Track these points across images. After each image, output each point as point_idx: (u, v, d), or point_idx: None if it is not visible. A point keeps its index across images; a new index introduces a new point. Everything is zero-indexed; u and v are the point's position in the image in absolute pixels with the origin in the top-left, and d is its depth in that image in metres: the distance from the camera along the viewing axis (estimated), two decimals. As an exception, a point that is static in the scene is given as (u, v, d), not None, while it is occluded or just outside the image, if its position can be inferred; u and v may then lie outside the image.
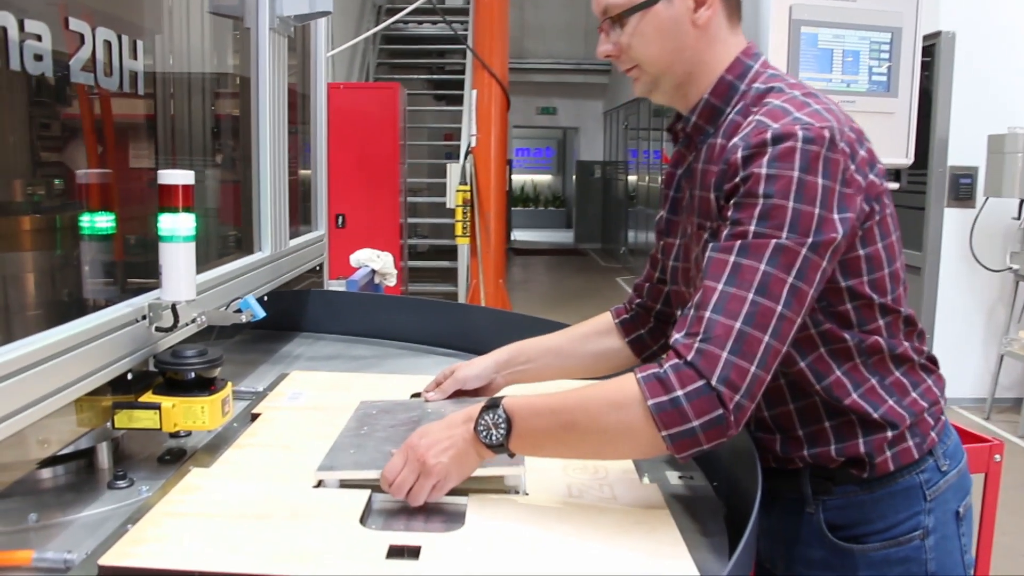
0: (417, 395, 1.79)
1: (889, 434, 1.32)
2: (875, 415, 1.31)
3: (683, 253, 1.46)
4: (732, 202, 1.21)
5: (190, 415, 1.41)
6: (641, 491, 1.33)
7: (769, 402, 1.37)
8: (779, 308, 1.15)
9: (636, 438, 1.16)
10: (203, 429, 1.43)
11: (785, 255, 1.16)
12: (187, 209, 1.42)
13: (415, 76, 11.73)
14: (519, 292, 11.38)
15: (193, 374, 1.44)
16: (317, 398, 1.75)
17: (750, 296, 1.14)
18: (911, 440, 1.33)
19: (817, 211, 1.17)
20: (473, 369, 1.66)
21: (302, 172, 2.83)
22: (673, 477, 1.46)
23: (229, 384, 1.50)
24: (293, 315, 2.59)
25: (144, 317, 1.44)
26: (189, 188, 1.42)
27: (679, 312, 1.45)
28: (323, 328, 2.60)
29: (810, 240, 1.16)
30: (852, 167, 1.22)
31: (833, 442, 1.34)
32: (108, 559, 1.04)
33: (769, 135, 1.19)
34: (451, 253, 8.76)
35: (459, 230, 6.99)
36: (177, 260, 1.43)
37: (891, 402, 1.33)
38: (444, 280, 9.57)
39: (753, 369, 1.13)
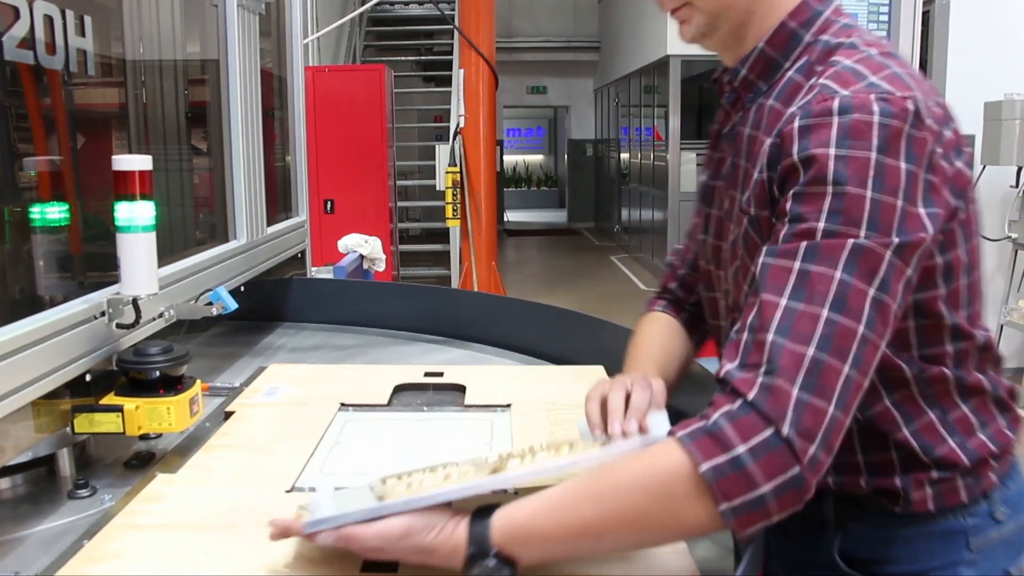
0: (401, 387, 1.70)
1: (935, 474, 1.07)
2: (926, 458, 1.06)
3: (717, 229, 1.20)
4: (792, 192, 0.95)
5: (155, 417, 1.32)
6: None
7: None
8: (861, 329, 0.90)
9: (685, 522, 0.90)
10: (170, 431, 1.35)
11: (865, 259, 0.91)
12: (145, 196, 1.32)
13: (403, 58, 11.59)
14: (513, 274, 11.29)
15: (158, 373, 1.35)
16: (295, 393, 1.66)
17: (824, 313, 0.89)
18: (961, 480, 1.07)
19: (900, 203, 0.92)
20: (646, 392, 1.15)
21: (287, 159, 2.73)
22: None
23: (198, 382, 1.41)
24: (274, 305, 2.50)
25: (103, 313, 1.35)
26: (147, 174, 1.33)
27: (702, 293, 1.29)
28: (305, 317, 2.51)
29: (894, 241, 0.91)
30: (939, 150, 0.97)
31: (865, 474, 1.09)
32: (57, 582, 0.95)
33: (836, 104, 0.95)
34: (444, 236, 8.66)
35: (449, 212, 6.90)
36: (136, 252, 1.33)
37: (952, 443, 1.06)
38: (437, 264, 9.47)
39: (831, 410, 0.87)
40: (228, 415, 1.55)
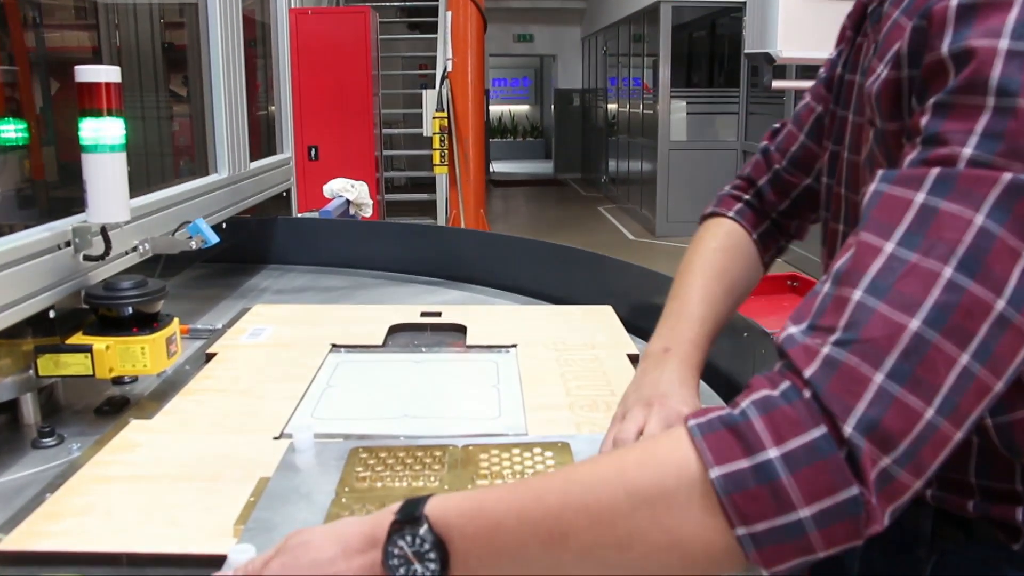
0: (396, 327, 1.58)
1: None
2: None
3: (854, 138, 0.89)
4: (933, 102, 0.66)
5: (128, 358, 1.19)
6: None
7: None
8: (1000, 304, 0.60)
9: (683, 544, 0.61)
10: (145, 374, 1.22)
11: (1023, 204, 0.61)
12: (114, 112, 1.18)
13: (387, 3, 11.30)
14: (499, 224, 11.14)
15: (131, 309, 1.22)
16: (282, 334, 1.53)
17: (947, 272, 0.60)
18: None
19: None
20: (685, 404, 0.94)
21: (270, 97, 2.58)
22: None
23: (176, 320, 1.28)
24: (259, 246, 2.36)
25: (68, 243, 1.21)
26: (115, 87, 1.18)
27: (822, 214, 0.97)
28: (292, 259, 2.38)
29: None
30: None
31: (977, 497, 0.82)
32: (11, 542, 0.83)
33: None
34: (430, 186, 8.49)
35: (437, 159, 6.73)
36: (104, 174, 1.19)
37: None
38: (424, 213, 9.31)
39: (930, 414, 0.59)
40: (210, 357, 1.42)
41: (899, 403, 0.59)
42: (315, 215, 3.84)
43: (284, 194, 2.50)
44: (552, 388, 1.26)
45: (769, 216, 1.13)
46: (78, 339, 1.19)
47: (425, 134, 6.84)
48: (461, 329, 1.58)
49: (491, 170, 16.19)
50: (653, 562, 0.63)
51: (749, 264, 1.11)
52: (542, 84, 19.91)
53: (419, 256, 2.25)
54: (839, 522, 0.58)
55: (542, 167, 18.25)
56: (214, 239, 1.47)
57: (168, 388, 1.30)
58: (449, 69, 6.53)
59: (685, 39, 10.97)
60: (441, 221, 7.84)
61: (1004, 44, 0.63)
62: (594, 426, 1.12)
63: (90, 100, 1.16)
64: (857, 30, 0.92)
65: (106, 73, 1.16)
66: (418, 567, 0.65)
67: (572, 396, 1.23)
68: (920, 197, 0.63)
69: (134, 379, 1.39)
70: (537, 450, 0.96)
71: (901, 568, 0.89)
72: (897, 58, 0.73)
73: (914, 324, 0.59)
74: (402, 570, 0.66)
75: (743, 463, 0.59)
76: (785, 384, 0.61)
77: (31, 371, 1.19)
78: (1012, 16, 0.63)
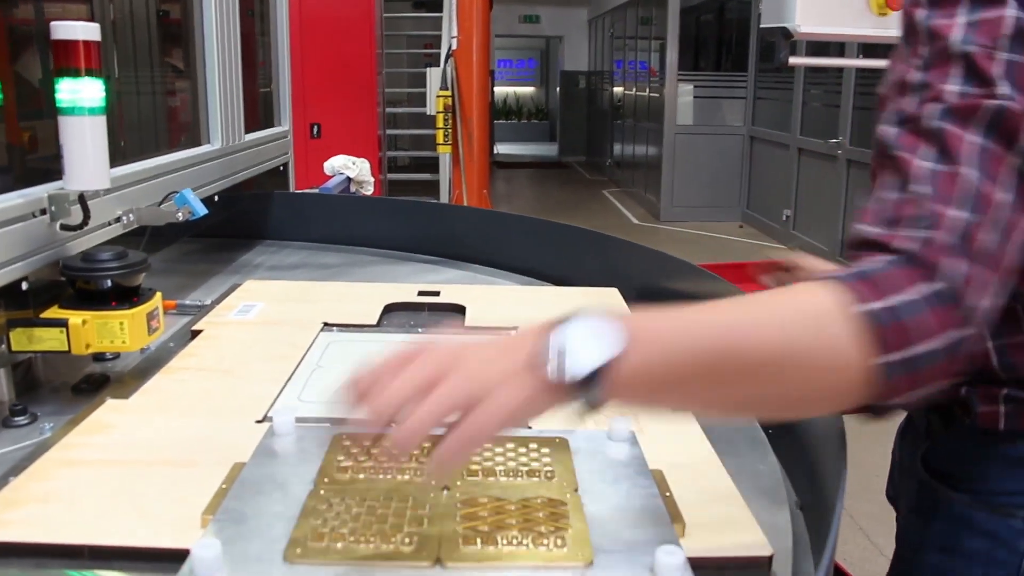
0: (392, 307, 1.51)
1: (1008, 391, 0.93)
2: (1004, 374, 0.92)
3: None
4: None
5: (106, 333, 1.13)
6: (671, 422, 1.06)
7: None
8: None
9: (837, 361, 0.68)
10: (124, 350, 1.15)
11: None
12: (92, 72, 1.11)
13: (392, -20, 11.16)
14: (503, 206, 11.06)
15: (110, 282, 1.15)
16: (272, 311, 1.47)
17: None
18: None
19: None
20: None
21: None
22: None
23: (158, 294, 1.21)
24: (253, 221, 2.29)
25: (44, 211, 1.14)
26: (94, 45, 1.11)
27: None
28: (288, 235, 2.31)
29: None
30: None
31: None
32: (-37, 530, 0.76)
33: None
34: (433, 166, 8.39)
35: (440, 138, 6.63)
36: (82, 138, 1.12)
37: None
38: (426, 193, 9.22)
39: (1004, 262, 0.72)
40: (195, 334, 1.35)
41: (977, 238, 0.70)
42: (315, 191, 3.79)
43: (281, 168, 2.43)
44: (554, 373, 1.19)
45: None
46: (53, 313, 1.13)
47: (428, 112, 6.75)
48: (460, 310, 1.52)
49: (495, 152, 16.11)
50: (808, 381, 0.70)
51: None
52: (548, 66, 19.75)
53: (418, 234, 2.19)
54: (955, 353, 0.69)
55: (546, 149, 18.13)
56: (202, 211, 1.41)
57: (150, 366, 1.23)
58: (454, 47, 6.43)
59: (693, 22, 10.85)
60: (444, 201, 7.77)
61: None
62: (599, 416, 1.05)
63: (66, 59, 1.09)
64: None
65: (83, 30, 1.09)
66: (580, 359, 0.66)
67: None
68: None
69: (116, 356, 1.32)
70: (533, 445, 0.89)
71: (913, 459, 1.04)
72: None
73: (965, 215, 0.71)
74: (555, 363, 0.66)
75: (880, 303, 0.67)
76: (892, 256, 0.70)
77: (3, 346, 1.13)
78: None
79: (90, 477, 0.87)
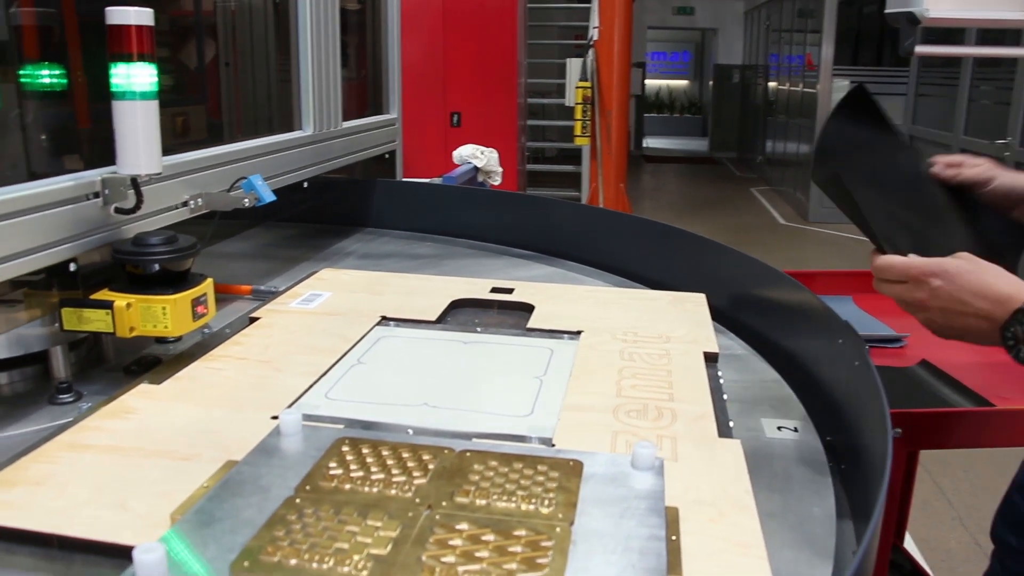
0: (459, 302, 1.47)
1: None
2: None
3: None
4: None
5: (149, 317, 1.13)
6: (714, 450, 0.97)
7: None
8: None
9: None
10: (166, 335, 1.15)
11: None
12: (145, 57, 1.11)
13: (545, -30, 11.14)
14: (648, 200, 10.89)
15: (157, 267, 1.15)
16: (336, 301, 1.45)
17: None
18: None
19: None
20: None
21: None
22: (770, 427, 1.10)
23: (208, 281, 1.21)
24: (355, 208, 2.30)
25: (96, 195, 1.15)
26: (147, 30, 1.11)
27: None
28: (389, 223, 2.30)
29: None
30: None
31: None
32: (-55, 509, 0.76)
33: None
34: (577, 158, 8.34)
35: (578, 129, 6.57)
36: (134, 122, 1.12)
37: None
38: (567, 185, 9.17)
39: None
40: (253, 321, 1.35)
41: None
42: (438, 180, 3.80)
43: (387, 156, 2.42)
44: (602, 386, 1.12)
45: None
46: (102, 295, 1.14)
47: (567, 104, 6.70)
48: (529, 309, 1.46)
49: (644, 145, 15.89)
50: None
51: None
52: (702, 60, 19.33)
53: (516, 227, 2.14)
54: None
55: (697, 144, 17.77)
56: (269, 197, 1.40)
57: (198, 352, 1.23)
58: (595, 38, 6.35)
59: (855, 14, 10.34)
60: (584, 194, 7.69)
61: None
62: (633, 437, 0.97)
63: (119, 44, 1.09)
64: None
65: (136, 15, 1.09)
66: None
67: (622, 397, 1.08)
68: None
69: (177, 339, 1.34)
70: (542, 467, 0.82)
71: None
72: None
73: None
74: (1011, 342, 0.90)
75: None
76: None
77: (57, 324, 1.15)
78: None
79: (88, 463, 0.86)
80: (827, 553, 0.85)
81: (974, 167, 1.17)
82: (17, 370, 1.20)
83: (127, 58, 1.10)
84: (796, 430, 1.10)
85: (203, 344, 1.28)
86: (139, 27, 1.10)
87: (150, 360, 1.24)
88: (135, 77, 1.11)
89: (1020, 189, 1.15)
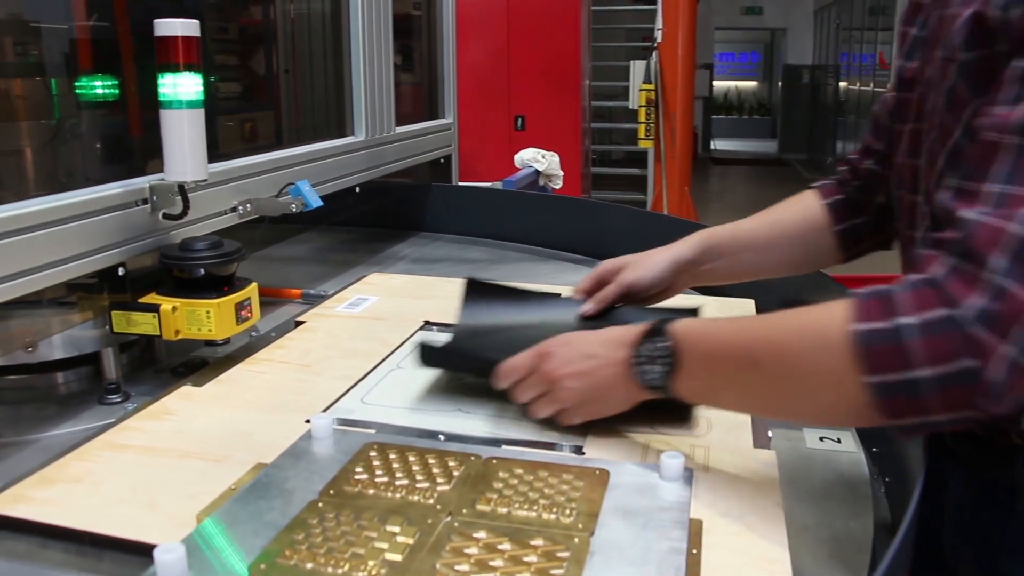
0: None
1: None
2: None
3: (915, 111, 0.95)
4: None
5: (194, 321, 1.16)
6: (747, 461, 0.95)
7: None
8: None
9: (834, 386, 0.73)
10: (210, 339, 1.18)
11: None
12: (191, 67, 1.14)
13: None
14: (714, 203, 10.77)
15: (202, 271, 1.18)
16: (381, 305, 1.46)
17: None
18: None
19: None
20: (645, 271, 1.21)
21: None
22: (812, 437, 1.08)
23: (253, 285, 1.23)
24: (410, 212, 2.32)
25: (145, 201, 1.19)
26: (193, 41, 1.14)
27: (894, 192, 1.05)
28: (444, 228, 2.32)
29: None
30: None
31: None
32: (-14, 505, 0.79)
33: None
34: (643, 161, 8.29)
35: (642, 132, 6.53)
36: (181, 131, 1.15)
37: None
38: (633, 188, 9.11)
39: None
40: (298, 325, 1.37)
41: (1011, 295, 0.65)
42: (498, 184, 3.81)
43: (442, 161, 2.44)
44: (639, 392, 1.11)
45: (845, 192, 1.22)
46: (150, 299, 1.17)
47: (631, 106, 6.66)
48: (571, 315, 1.45)
49: (712, 147, 15.72)
50: (812, 396, 0.77)
51: (808, 215, 1.22)
52: (771, 61, 19.05)
53: (574, 232, 2.14)
54: (954, 387, 0.67)
55: (766, 146, 17.52)
56: (316, 203, 1.42)
57: (243, 355, 1.26)
58: (659, 40, 6.30)
59: (930, 12, 10.10)
60: (649, 197, 7.64)
61: None
62: (666, 446, 0.96)
63: (167, 54, 1.12)
64: (910, 22, 0.99)
65: (183, 27, 1.12)
66: (655, 367, 0.88)
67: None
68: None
69: (226, 341, 1.36)
70: (567, 476, 0.82)
71: (1001, 527, 0.92)
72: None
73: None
74: (644, 366, 0.89)
75: (880, 324, 0.70)
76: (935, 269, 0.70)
77: (107, 327, 1.18)
78: None
79: (124, 463, 0.89)
80: (860, 571, 0.83)
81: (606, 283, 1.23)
82: (72, 370, 1.24)
83: (174, 68, 1.13)
84: (839, 440, 1.08)
85: (249, 347, 1.31)
86: (186, 38, 1.13)
87: (197, 362, 1.27)
88: (181, 87, 1.14)
89: (644, 282, 1.21)
